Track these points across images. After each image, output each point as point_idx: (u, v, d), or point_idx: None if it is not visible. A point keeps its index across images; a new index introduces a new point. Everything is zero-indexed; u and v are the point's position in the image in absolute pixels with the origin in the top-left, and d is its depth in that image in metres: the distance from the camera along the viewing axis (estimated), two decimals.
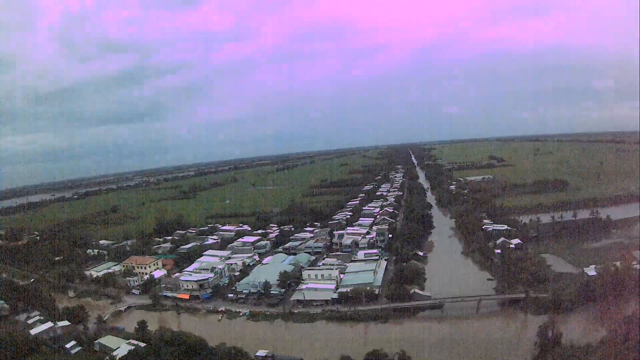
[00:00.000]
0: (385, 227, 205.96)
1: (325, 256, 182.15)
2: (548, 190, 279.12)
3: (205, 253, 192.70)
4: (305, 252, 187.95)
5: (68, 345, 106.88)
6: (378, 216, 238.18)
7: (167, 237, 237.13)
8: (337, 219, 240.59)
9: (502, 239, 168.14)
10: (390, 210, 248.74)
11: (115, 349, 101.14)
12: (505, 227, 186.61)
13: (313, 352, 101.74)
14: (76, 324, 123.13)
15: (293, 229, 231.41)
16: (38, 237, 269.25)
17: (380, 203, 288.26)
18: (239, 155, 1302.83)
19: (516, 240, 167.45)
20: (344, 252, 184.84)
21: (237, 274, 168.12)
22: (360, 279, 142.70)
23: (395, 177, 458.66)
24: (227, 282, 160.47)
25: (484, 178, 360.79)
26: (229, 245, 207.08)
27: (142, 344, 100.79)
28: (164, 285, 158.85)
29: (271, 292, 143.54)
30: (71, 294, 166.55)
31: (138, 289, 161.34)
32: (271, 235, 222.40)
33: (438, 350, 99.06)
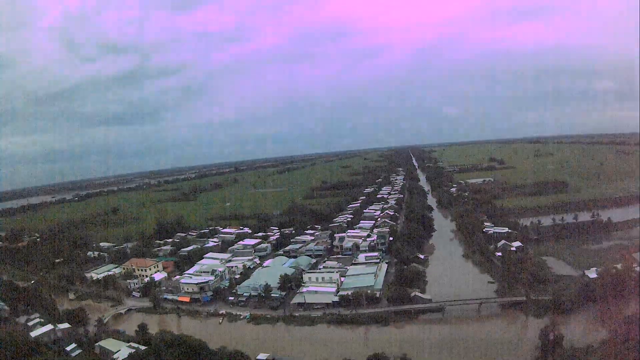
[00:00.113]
0: (386, 229, 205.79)
1: (326, 259, 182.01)
2: (548, 192, 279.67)
3: (205, 256, 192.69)
4: (306, 255, 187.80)
5: (68, 348, 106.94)
6: (379, 219, 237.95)
7: (167, 240, 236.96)
8: (338, 222, 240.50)
9: (502, 241, 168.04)
10: (391, 213, 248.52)
11: (116, 352, 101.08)
12: (506, 229, 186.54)
13: (314, 355, 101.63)
14: (76, 326, 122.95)
15: (294, 231, 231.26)
16: (38, 239, 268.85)
17: (381, 205, 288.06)
18: (240, 157, 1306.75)
19: (517, 243, 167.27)
20: (345, 255, 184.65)
21: (237, 276, 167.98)
22: (361, 282, 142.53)
23: (396, 179, 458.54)
24: (227, 285, 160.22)
25: (484, 180, 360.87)
26: (229, 248, 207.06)
27: (143, 347, 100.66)
28: (164, 287, 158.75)
29: (272, 295, 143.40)
30: (71, 296, 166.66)
31: (138, 292, 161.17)
32: (272, 238, 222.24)
33: (439, 352, 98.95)
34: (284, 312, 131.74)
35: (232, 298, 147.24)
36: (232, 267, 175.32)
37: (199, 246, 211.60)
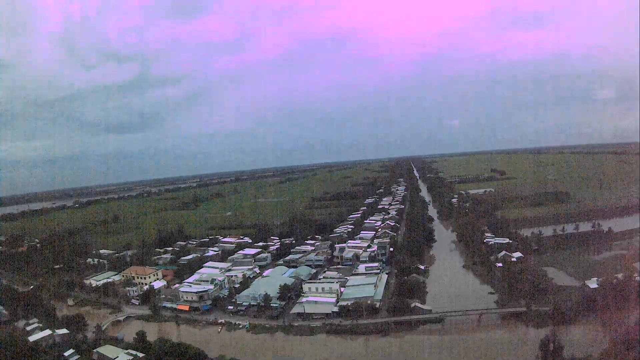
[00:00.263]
0: (386, 240, 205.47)
1: (326, 269, 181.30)
2: (549, 202, 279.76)
3: (205, 265, 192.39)
4: (306, 265, 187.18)
5: (66, 353, 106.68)
6: (380, 229, 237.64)
7: (167, 248, 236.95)
8: (339, 232, 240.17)
9: (503, 252, 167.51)
10: (392, 224, 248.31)
11: (114, 359, 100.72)
12: (507, 240, 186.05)
13: None
14: (75, 332, 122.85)
15: (294, 241, 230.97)
16: (38, 245, 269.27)
17: (382, 216, 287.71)
18: (241, 167, 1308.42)
19: (518, 254, 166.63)
20: (345, 265, 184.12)
21: (237, 286, 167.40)
22: (361, 292, 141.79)
23: (397, 190, 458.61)
24: (227, 294, 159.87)
25: (485, 191, 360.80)
26: (229, 257, 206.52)
27: (141, 354, 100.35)
28: (163, 296, 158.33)
29: (271, 304, 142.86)
30: (71, 302, 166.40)
31: (138, 299, 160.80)
32: (272, 248, 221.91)
33: None
34: (284, 321, 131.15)
35: (232, 307, 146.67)
36: (231, 276, 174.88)
37: (199, 255, 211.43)
